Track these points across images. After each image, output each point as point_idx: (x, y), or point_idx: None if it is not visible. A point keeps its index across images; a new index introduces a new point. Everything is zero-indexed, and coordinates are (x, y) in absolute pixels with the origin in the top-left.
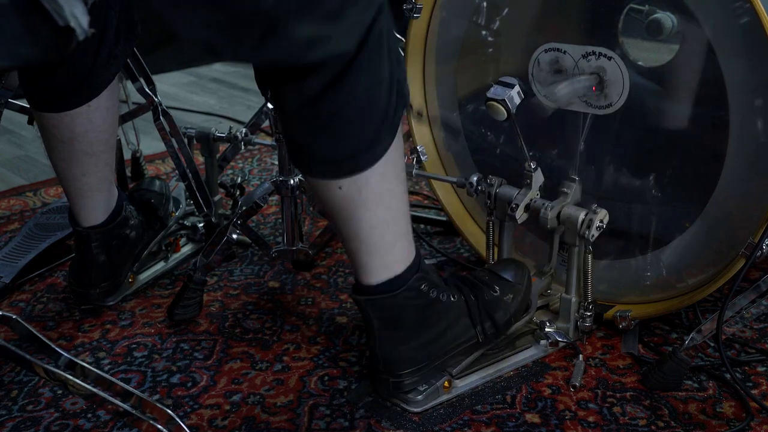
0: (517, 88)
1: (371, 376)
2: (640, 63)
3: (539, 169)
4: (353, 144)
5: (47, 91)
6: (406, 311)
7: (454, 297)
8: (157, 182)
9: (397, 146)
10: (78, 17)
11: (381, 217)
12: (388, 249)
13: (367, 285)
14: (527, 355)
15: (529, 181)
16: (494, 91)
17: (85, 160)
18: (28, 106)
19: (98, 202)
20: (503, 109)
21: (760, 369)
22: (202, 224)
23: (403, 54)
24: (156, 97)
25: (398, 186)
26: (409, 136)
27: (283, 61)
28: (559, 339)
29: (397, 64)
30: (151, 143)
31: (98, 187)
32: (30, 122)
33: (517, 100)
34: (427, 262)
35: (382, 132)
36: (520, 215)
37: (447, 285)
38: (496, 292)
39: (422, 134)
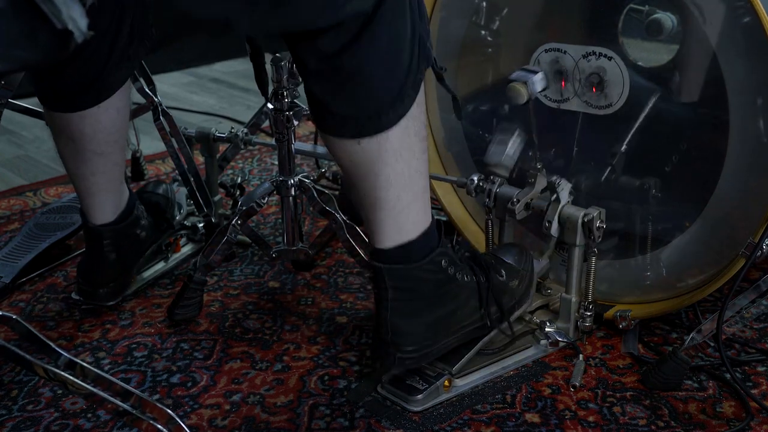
0: (541, 74)
1: (375, 348)
2: (640, 63)
3: (544, 170)
4: (376, 102)
5: (58, 90)
6: (424, 284)
7: (467, 277)
8: (162, 185)
9: (419, 102)
10: (76, 19)
11: (399, 173)
12: (403, 208)
13: (381, 249)
14: (527, 355)
15: (532, 180)
16: (517, 74)
17: (94, 159)
18: (39, 103)
19: (108, 201)
20: (524, 91)
21: (760, 369)
22: (202, 224)
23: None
24: (156, 97)
25: (418, 143)
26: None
27: (297, 26)
28: (559, 339)
29: (419, 20)
30: (151, 143)
31: (107, 187)
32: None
33: (539, 87)
34: None
35: (405, 89)
36: (520, 211)
37: (462, 263)
38: (503, 276)
39: None
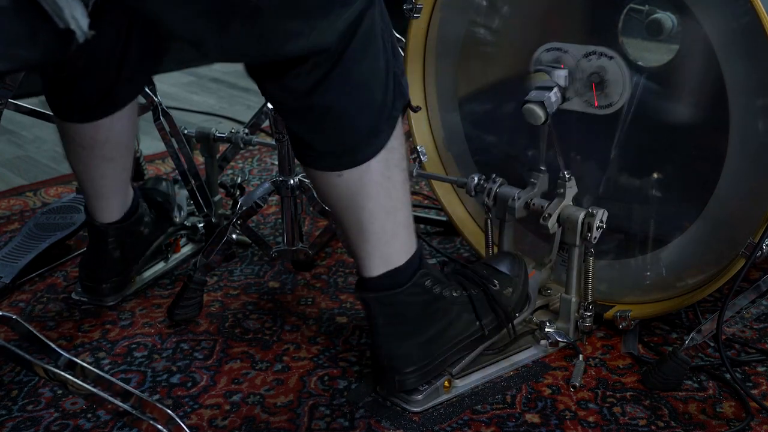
0: (555, 89)
1: (374, 374)
2: (640, 63)
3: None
4: (351, 138)
5: (73, 102)
6: (411, 307)
7: (456, 293)
8: (163, 182)
9: (397, 135)
10: (78, 19)
11: (381, 205)
12: (388, 239)
13: (368, 278)
14: (527, 355)
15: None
16: (533, 95)
17: (104, 165)
18: (46, 109)
19: (115, 202)
20: (541, 113)
21: (760, 369)
22: (202, 224)
23: (402, 50)
24: (156, 97)
25: (398, 175)
26: (409, 135)
27: (262, 54)
28: (559, 339)
29: (393, 57)
30: (151, 143)
31: (115, 190)
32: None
33: (555, 105)
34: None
35: (380, 125)
36: (519, 209)
37: (449, 280)
38: (496, 286)
39: (422, 134)
